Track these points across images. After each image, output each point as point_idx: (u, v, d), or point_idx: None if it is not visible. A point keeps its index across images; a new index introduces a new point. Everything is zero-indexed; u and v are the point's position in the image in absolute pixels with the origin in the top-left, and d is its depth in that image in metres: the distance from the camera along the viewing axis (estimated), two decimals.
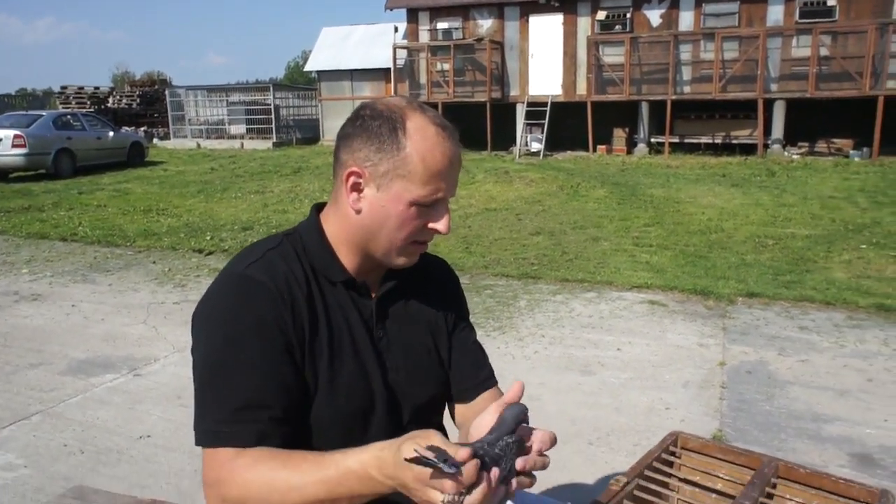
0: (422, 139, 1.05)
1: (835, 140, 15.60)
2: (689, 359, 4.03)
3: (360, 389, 1.13)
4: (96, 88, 26.17)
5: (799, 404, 3.43)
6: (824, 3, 15.46)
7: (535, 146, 17.09)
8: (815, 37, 14.81)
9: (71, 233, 8.04)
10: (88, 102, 24.16)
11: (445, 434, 1.33)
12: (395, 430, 1.15)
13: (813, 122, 15.83)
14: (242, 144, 20.91)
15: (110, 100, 25.72)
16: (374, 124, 1.07)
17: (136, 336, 4.55)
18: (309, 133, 22.85)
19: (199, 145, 21.23)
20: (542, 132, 16.99)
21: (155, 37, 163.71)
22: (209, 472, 1.02)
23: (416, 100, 1.14)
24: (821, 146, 15.75)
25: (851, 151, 14.90)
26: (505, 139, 18.02)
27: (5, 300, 5.44)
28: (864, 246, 6.76)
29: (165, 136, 23.22)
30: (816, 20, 15.29)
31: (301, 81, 40.41)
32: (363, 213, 1.10)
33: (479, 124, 17.76)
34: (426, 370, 1.23)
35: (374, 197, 1.08)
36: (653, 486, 1.43)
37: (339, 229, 1.14)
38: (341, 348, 1.12)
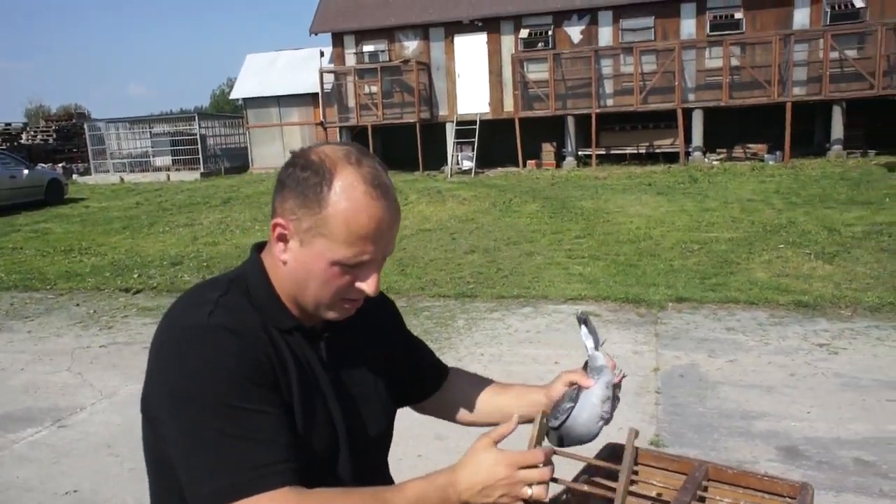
0: (347, 199, 1.01)
1: (750, 145, 16.34)
2: (625, 367, 4.12)
3: (328, 433, 1.12)
4: (8, 124, 25.13)
5: (729, 403, 3.54)
6: (732, 16, 16.25)
7: (467, 164, 17.27)
8: (726, 48, 15.53)
9: None
10: (0, 140, 23.13)
11: (388, 468, 1.35)
12: (355, 469, 1.17)
13: (729, 129, 16.56)
14: (168, 176, 20.38)
15: (24, 136, 24.72)
16: (302, 176, 1.03)
17: (60, 384, 4.35)
18: (238, 162, 22.48)
19: (122, 179, 20.58)
20: (473, 150, 17.19)
21: (70, 68, 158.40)
22: None
23: (357, 150, 1.06)
24: (738, 152, 16.47)
25: (766, 155, 15.63)
26: (436, 159, 18.15)
27: None
28: (781, 246, 7.07)
29: (86, 172, 22.42)
30: (726, 32, 16.05)
31: (227, 109, 39.81)
32: (289, 266, 1.07)
33: (409, 145, 17.85)
34: (376, 407, 1.24)
35: (297, 251, 1.05)
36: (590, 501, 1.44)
37: (276, 276, 1.11)
38: (309, 393, 1.10)
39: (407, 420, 1.33)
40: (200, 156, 21.01)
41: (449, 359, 4.36)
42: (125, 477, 3.08)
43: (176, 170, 21.00)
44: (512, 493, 1.00)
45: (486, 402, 1.39)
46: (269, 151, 21.52)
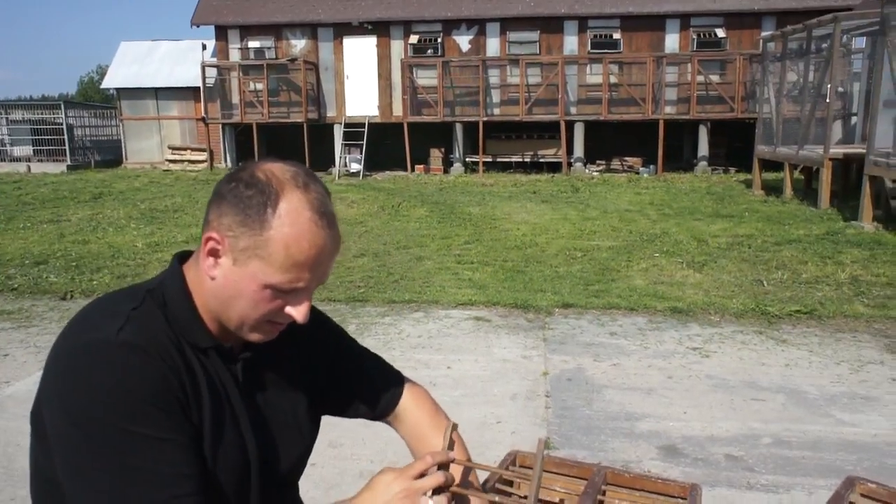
0: (291, 224, 0.96)
1: (627, 158, 17.29)
2: (515, 371, 4.22)
3: (237, 458, 1.06)
4: None
5: (614, 406, 3.71)
6: (611, 35, 17.13)
7: (355, 167, 17.14)
8: (605, 66, 16.37)
9: None
10: None
11: (298, 491, 1.30)
12: (265, 495, 1.12)
13: (608, 142, 17.44)
14: (29, 168, 18.82)
15: None
16: (246, 193, 0.97)
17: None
18: (110, 155, 21.09)
19: None
20: (361, 153, 17.09)
21: None
22: None
23: (304, 172, 1.02)
24: (616, 164, 17.37)
25: (641, 168, 16.60)
26: (324, 160, 17.88)
27: None
28: (657, 254, 7.51)
29: None
30: (605, 51, 16.90)
31: (97, 99, 37.32)
32: (217, 282, 1.01)
33: (296, 145, 17.47)
34: (294, 433, 1.19)
35: (229, 269, 1.00)
36: None
37: (198, 290, 1.05)
38: (221, 416, 1.04)
39: None
40: (67, 147, 19.56)
41: None
42: None
43: (38, 160, 19.44)
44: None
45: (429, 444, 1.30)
46: (146, 145, 20.37)
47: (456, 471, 1.21)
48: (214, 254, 1.00)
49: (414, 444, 1.32)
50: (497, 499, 1.27)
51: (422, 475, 1.04)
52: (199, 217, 9.91)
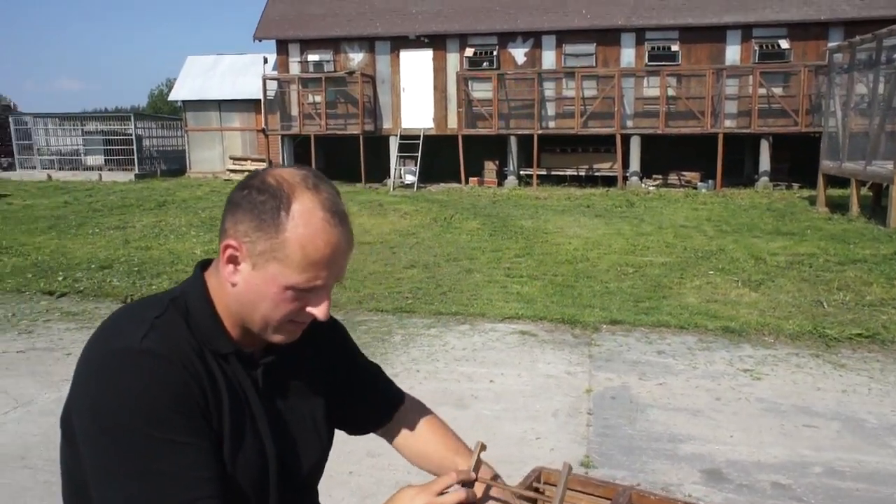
0: (304, 225, 1.00)
1: (684, 172, 16.94)
2: (558, 387, 4.18)
3: (256, 463, 1.09)
4: None
5: (658, 426, 3.64)
6: (669, 48, 16.86)
7: (409, 178, 17.30)
8: (663, 78, 16.11)
9: None
10: None
11: (317, 495, 1.33)
12: (284, 498, 1.15)
13: (665, 155, 17.13)
14: (101, 176, 19.67)
15: None
16: (259, 199, 1.01)
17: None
18: (175, 164, 21.88)
19: (50, 177, 19.75)
20: (416, 165, 17.24)
21: None
22: None
23: (314, 174, 1.06)
24: (673, 178, 17.04)
25: (699, 183, 16.23)
26: (379, 172, 18.12)
27: None
28: (711, 272, 7.33)
29: (10, 167, 21.43)
30: (663, 63, 16.64)
31: (165, 111, 38.76)
32: (238, 288, 1.05)
33: (352, 157, 17.77)
34: (312, 437, 1.22)
35: (249, 274, 1.03)
36: None
37: (220, 297, 1.09)
38: (242, 422, 1.08)
39: (340, 435, 1.32)
40: (135, 157, 20.38)
41: None
42: (39, 491, 2.93)
43: (109, 170, 20.30)
44: None
45: (428, 456, 1.35)
46: (208, 156, 21.05)
47: (479, 489, 1.23)
48: (234, 261, 1.04)
49: (412, 456, 1.36)
50: None
51: (444, 492, 1.07)
52: None
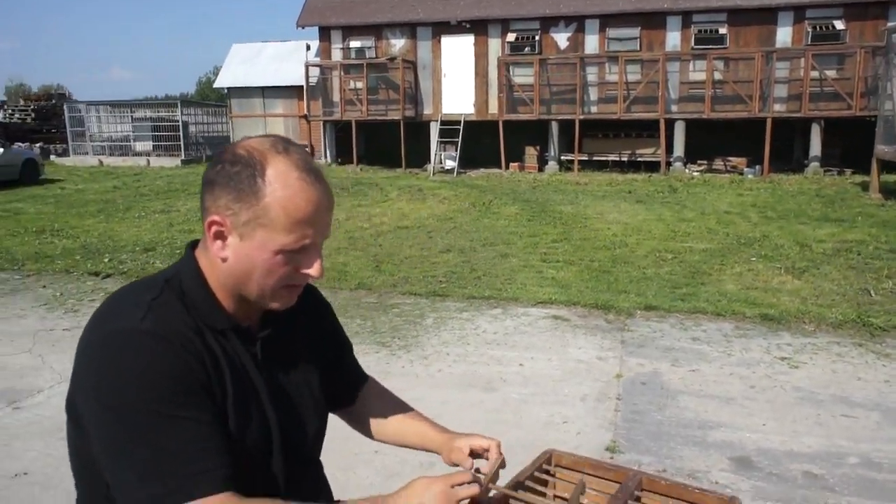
0: (283, 187, 1.02)
1: (730, 158, 16.52)
2: (588, 372, 4.14)
3: (260, 435, 1.12)
4: None
5: (688, 413, 3.58)
6: (716, 31, 16.41)
7: (450, 164, 17.28)
8: (710, 62, 15.69)
9: None
10: None
11: (322, 468, 1.35)
12: (288, 469, 1.17)
13: (711, 141, 16.71)
14: (149, 162, 20.16)
15: (1, 114, 24.30)
16: (232, 171, 1.03)
17: (19, 366, 4.28)
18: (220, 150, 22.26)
19: (101, 162, 20.32)
20: (456, 150, 17.20)
21: (53, 48, 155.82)
22: None
23: (281, 140, 1.08)
24: (718, 164, 16.64)
25: (745, 169, 15.81)
26: (419, 157, 18.14)
27: None
28: (753, 259, 7.15)
29: (64, 153, 22.11)
30: (710, 46, 16.21)
31: (212, 98, 39.44)
32: (230, 262, 1.07)
33: (393, 142, 17.82)
34: (311, 407, 1.24)
35: (237, 246, 1.05)
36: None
37: (212, 274, 1.11)
38: (244, 395, 1.10)
39: None
40: (182, 143, 20.80)
41: (415, 356, 4.38)
42: None
43: (157, 155, 20.78)
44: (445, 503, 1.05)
45: (394, 427, 1.41)
46: None
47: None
48: (220, 236, 1.06)
49: (377, 433, 1.42)
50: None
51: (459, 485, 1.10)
52: None
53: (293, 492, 1.18)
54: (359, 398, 1.42)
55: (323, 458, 1.35)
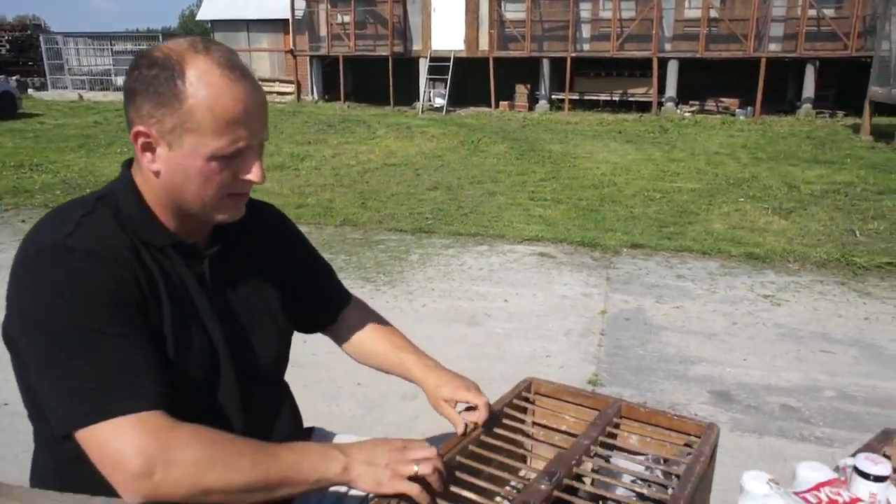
0: (206, 86, 0.94)
1: (722, 99, 16.34)
2: (573, 308, 4.15)
3: (206, 356, 1.07)
4: None
5: (670, 348, 3.60)
6: None
7: (439, 101, 17.00)
8: None
9: None
10: None
11: (287, 387, 1.32)
12: (244, 393, 1.13)
13: (703, 81, 16.48)
14: None
15: None
16: (150, 74, 0.95)
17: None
18: None
19: (81, 97, 19.83)
20: (446, 88, 16.88)
21: None
22: (128, 450, 0.87)
23: (201, 39, 1.00)
24: (710, 104, 16.46)
25: (737, 110, 15.66)
26: (408, 94, 17.81)
27: None
28: (741, 199, 7.14)
29: (42, 87, 21.54)
30: None
31: (195, 31, 38.31)
32: (163, 175, 1.00)
33: (381, 79, 17.46)
34: (266, 329, 1.19)
35: (168, 156, 0.98)
36: (502, 432, 1.45)
37: (149, 192, 1.04)
38: (183, 314, 1.04)
39: None
40: None
41: (399, 291, 4.37)
42: None
43: None
44: (398, 463, 0.99)
45: (375, 354, 1.38)
46: None
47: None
48: (148, 148, 0.99)
49: (359, 355, 1.39)
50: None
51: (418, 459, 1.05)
52: (283, 147, 10.15)
53: (252, 413, 1.14)
54: (340, 319, 1.38)
55: (307, 390, 1.34)
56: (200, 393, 1.07)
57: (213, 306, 1.09)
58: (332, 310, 1.38)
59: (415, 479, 0.99)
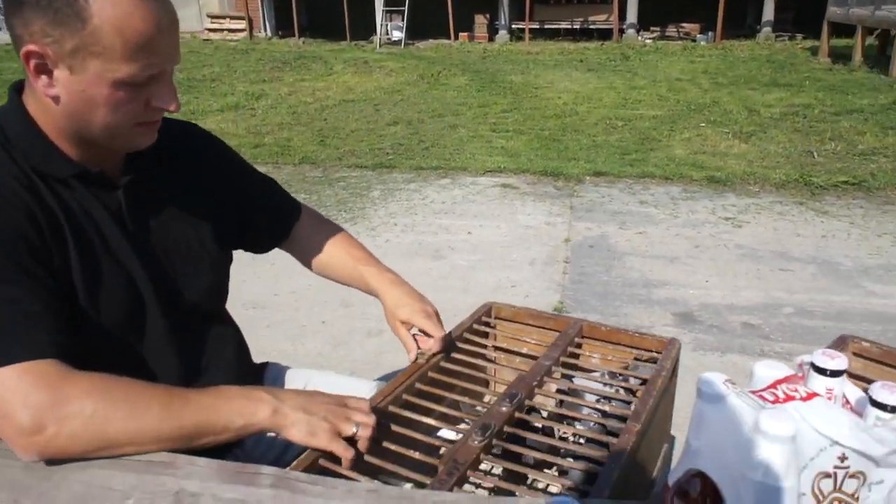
0: (111, 6, 0.83)
1: (683, 24, 16.17)
2: (537, 238, 4.14)
3: (124, 293, 0.99)
4: None
5: (634, 273, 3.63)
6: None
7: (397, 35, 16.52)
8: None
9: None
10: None
11: (231, 320, 1.26)
12: (174, 330, 1.06)
13: (664, 7, 16.26)
14: None
15: None
16: None
17: None
18: None
19: None
20: (403, 20, 16.39)
21: None
22: (14, 403, 0.79)
23: None
24: (671, 31, 16.29)
25: (698, 35, 15.54)
26: (364, 29, 17.26)
27: None
28: (703, 124, 7.13)
29: None
30: None
31: None
32: (63, 101, 0.89)
33: (336, 13, 16.86)
34: (195, 261, 1.11)
35: (68, 81, 0.87)
36: (463, 357, 1.42)
37: (46, 119, 0.93)
38: (93, 251, 0.95)
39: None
40: None
41: (361, 228, 4.30)
42: None
43: None
44: (337, 418, 0.92)
45: (334, 267, 1.35)
46: (185, 14, 19.92)
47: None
48: (43, 70, 0.88)
49: (318, 268, 1.36)
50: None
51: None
52: (237, 86, 9.81)
53: (188, 351, 1.09)
54: (293, 232, 1.32)
55: (270, 330, 1.29)
56: (127, 336, 1.00)
57: (131, 240, 1.00)
58: (282, 224, 1.31)
59: (349, 440, 0.93)
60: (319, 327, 3.09)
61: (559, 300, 3.31)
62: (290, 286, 3.40)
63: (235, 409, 0.88)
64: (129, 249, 1.00)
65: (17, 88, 0.97)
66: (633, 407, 1.18)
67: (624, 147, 6.28)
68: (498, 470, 1.11)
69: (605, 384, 1.34)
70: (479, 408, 1.34)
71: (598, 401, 1.27)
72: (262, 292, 3.36)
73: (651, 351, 1.44)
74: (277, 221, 1.30)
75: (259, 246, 1.31)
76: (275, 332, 2.99)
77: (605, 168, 5.51)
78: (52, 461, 0.83)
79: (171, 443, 0.85)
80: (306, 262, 1.36)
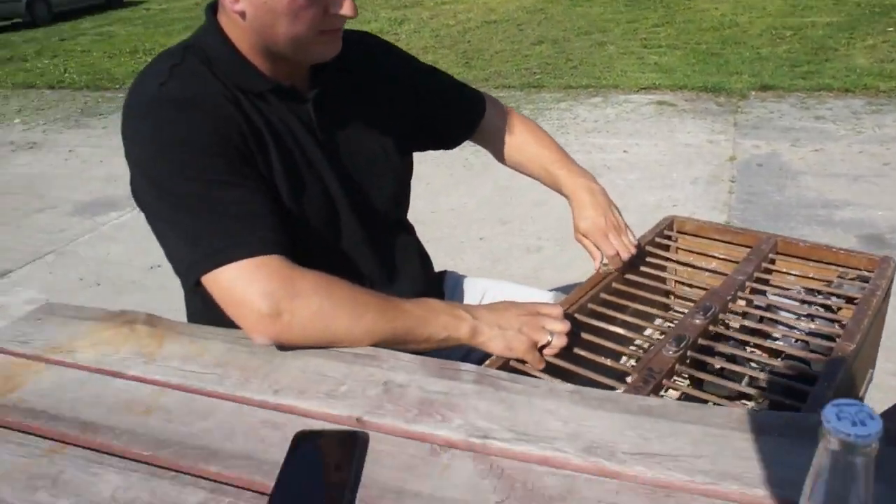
0: None
1: None
2: (699, 156, 3.91)
3: (322, 202, 1.04)
4: None
5: (810, 193, 3.35)
6: None
7: None
8: None
9: (58, 80, 7.76)
10: None
11: (413, 229, 1.29)
12: (366, 238, 1.10)
13: None
14: None
15: None
16: None
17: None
18: None
19: None
20: None
21: None
22: (253, 292, 0.85)
23: None
24: None
25: None
26: None
27: (2, 150, 5.36)
28: (890, 29, 6.33)
29: None
30: None
31: None
32: (249, 16, 0.92)
33: None
34: (380, 170, 1.14)
35: None
36: (645, 269, 1.38)
37: (239, 36, 0.97)
38: (293, 161, 1.00)
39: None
40: None
41: None
42: None
43: None
44: (532, 329, 0.94)
45: (523, 165, 1.34)
46: None
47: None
48: None
49: (510, 164, 1.35)
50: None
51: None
52: (380, 13, 9.89)
53: (380, 256, 1.12)
54: (482, 123, 1.30)
55: (430, 246, 1.30)
56: (325, 241, 1.05)
57: (323, 151, 1.04)
58: (469, 115, 1.29)
59: (542, 349, 0.95)
60: (478, 244, 3.13)
61: (726, 220, 3.14)
62: (448, 203, 3.46)
63: (441, 322, 0.92)
64: (322, 160, 1.04)
65: (212, 9, 1.01)
66: (847, 325, 1.09)
67: (794, 59, 5.72)
68: (684, 383, 1.08)
69: (803, 301, 1.25)
70: (658, 321, 1.30)
71: (798, 318, 1.18)
72: (421, 209, 3.42)
73: (859, 269, 1.32)
74: (464, 112, 1.29)
75: (450, 139, 1.30)
76: (434, 247, 3.01)
77: (773, 81, 5.06)
78: (274, 348, 0.91)
79: (379, 344, 0.91)
80: (498, 156, 1.36)
